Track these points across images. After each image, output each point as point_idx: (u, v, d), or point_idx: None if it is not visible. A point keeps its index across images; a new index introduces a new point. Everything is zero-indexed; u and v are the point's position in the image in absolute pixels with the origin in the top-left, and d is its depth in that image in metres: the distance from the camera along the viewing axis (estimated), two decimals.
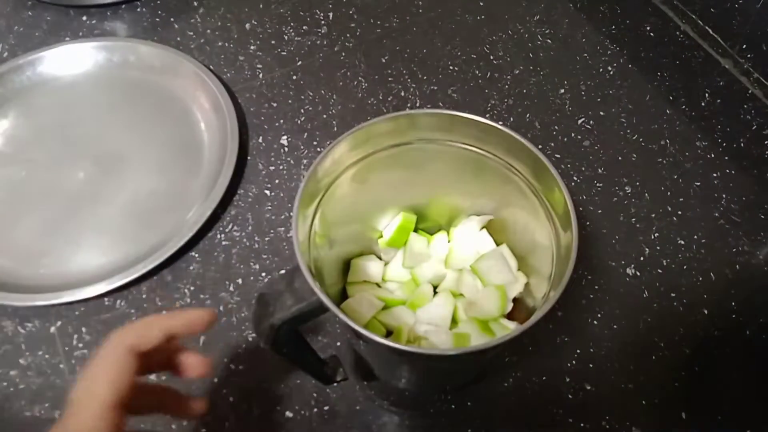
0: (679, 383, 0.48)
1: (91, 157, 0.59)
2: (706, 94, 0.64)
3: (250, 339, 0.49)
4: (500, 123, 0.38)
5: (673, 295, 0.52)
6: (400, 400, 0.47)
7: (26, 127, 0.61)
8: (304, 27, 0.70)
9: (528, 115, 0.62)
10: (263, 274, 0.52)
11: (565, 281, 0.32)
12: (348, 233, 0.44)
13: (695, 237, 0.55)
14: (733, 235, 0.55)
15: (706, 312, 0.51)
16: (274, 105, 0.63)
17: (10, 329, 0.50)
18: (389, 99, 0.63)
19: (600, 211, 0.56)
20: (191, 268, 0.53)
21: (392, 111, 0.56)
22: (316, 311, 0.33)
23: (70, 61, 0.64)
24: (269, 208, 0.56)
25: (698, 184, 0.58)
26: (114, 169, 0.58)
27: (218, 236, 0.54)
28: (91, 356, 0.31)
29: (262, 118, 0.62)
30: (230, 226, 0.55)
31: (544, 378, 0.48)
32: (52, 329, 0.50)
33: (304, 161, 0.59)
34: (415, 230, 0.46)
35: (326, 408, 0.46)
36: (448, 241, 0.46)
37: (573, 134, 0.61)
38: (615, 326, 0.50)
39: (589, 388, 0.47)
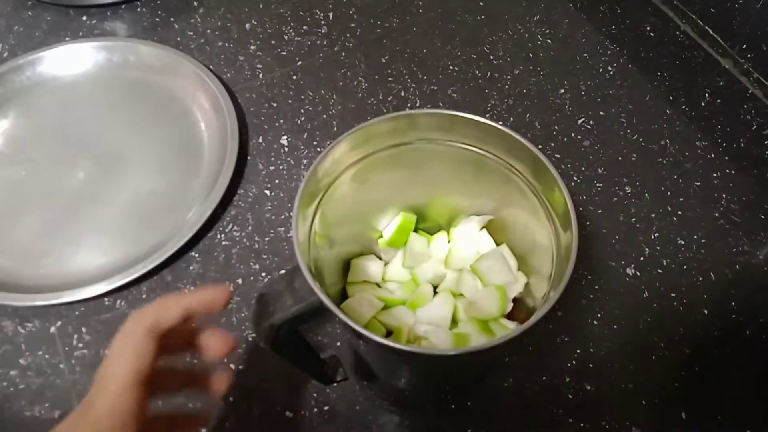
0: (679, 383, 0.48)
1: (91, 157, 0.59)
2: (706, 94, 0.64)
3: (250, 339, 0.49)
4: (500, 123, 0.38)
5: (673, 295, 0.52)
6: (400, 400, 0.47)
7: (26, 127, 0.61)
8: (304, 27, 0.70)
9: (528, 115, 0.62)
10: (263, 274, 0.52)
11: (565, 281, 0.32)
12: (348, 233, 0.44)
13: (695, 237, 0.55)
14: (733, 235, 0.55)
15: (706, 312, 0.51)
16: (274, 105, 0.63)
17: (10, 329, 0.50)
18: (389, 99, 0.63)
19: (600, 211, 0.56)
20: (191, 268, 0.53)
21: (392, 111, 0.56)
22: (316, 311, 0.33)
23: (70, 61, 0.64)
24: (269, 208, 0.56)
25: (698, 184, 0.58)
26: (114, 169, 0.58)
27: (218, 236, 0.54)
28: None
29: (262, 118, 0.62)
30: (230, 226, 0.55)
31: (544, 378, 0.48)
32: (52, 329, 0.50)
33: (304, 161, 0.59)
34: (415, 230, 0.46)
35: (326, 408, 0.46)
36: (448, 241, 0.46)
37: (573, 134, 0.61)
38: (615, 326, 0.50)
39: (589, 388, 0.47)
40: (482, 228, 0.45)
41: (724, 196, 0.57)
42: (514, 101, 0.63)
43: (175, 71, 0.63)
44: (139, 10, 0.71)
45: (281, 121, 0.62)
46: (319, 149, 0.60)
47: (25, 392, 0.47)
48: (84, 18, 0.70)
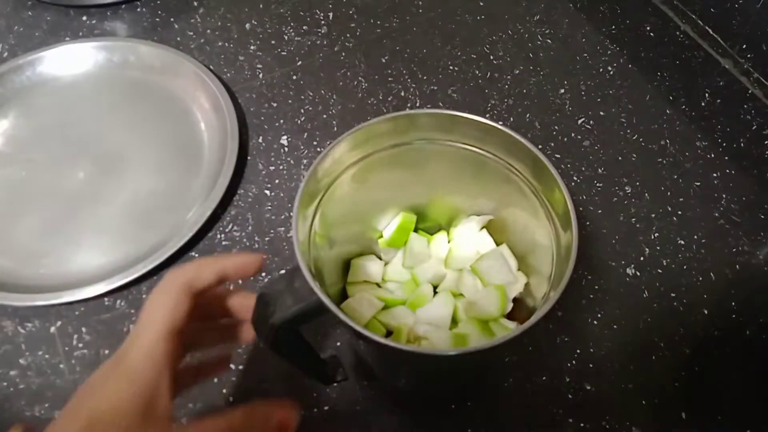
0: (679, 383, 0.48)
1: (91, 157, 0.59)
2: (706, 94, 0.64)
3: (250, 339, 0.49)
4: (500, 123, 0.38)
5: (673, 295, 0.52)
6: (400, 400, 0.47)
7: (26, 127, 0.61)
8: (304, 27, 0.70)
9: (528, 115, 0.62)
10: (263, 274, 0.52)
11: (565, 281, 0.32)
12: (348, 233, 0.44)
13: (695, 237, 0.55)
14: (733, 235, 0.55)
15: (706, 312, 0.51)
16: (274, 105, 0.63)
17: (10, 329, 0.50)
18: (389, 99, 0.63)
19: (600, 211, 0.56)
20: None
21: (392, 111, 0.56)
22: (316, 311, 0.33)
23: (70, 61, 0.64)
24: (269, 208, 0.56)
25: (698, 184, 0.58)
26: (114, 169, 0.58)
27: (218, 236, 0.54)
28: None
29: (262, 118, 0.62)
30: (230, 226, 0.55)
31: (544, 378, 0.48)
32: (52, 329, 0.50)
33: (304, 161, 0.59)
34: (415, 230, 0.46)
35: (326, 408, 0.46)
36: (448, 241, 0.46)
37: (573, 134, 0.61)
38: (615, 326, 0.50)
39: (589, 388, 0.47)
40: (482, 228, 0.45)
41: (724, 196, 0.57)
42: (514, 101, 0.63)
43: (175, 71, 0.63)
44: (139, 10, 0.71)
45: (281, 121, 0.62)
46: (319, 149, 0.60)
47: (25, 392, 0.47)
48: (84, 18, 0.70)
